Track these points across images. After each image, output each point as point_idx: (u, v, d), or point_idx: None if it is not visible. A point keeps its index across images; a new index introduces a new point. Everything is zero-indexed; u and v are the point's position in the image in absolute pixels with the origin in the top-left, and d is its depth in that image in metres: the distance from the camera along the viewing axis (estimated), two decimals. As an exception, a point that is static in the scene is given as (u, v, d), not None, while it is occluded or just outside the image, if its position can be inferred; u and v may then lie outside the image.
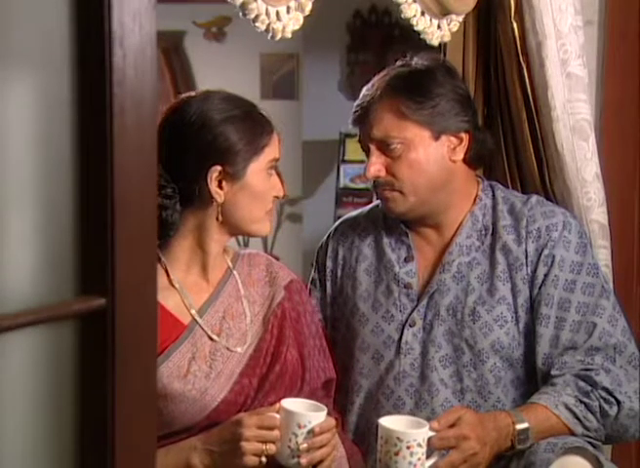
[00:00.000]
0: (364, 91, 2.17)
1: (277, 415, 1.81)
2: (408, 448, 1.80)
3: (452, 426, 1.91)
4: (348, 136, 5.75)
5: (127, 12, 1.10)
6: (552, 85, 2.28)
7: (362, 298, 2.22)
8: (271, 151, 1.95)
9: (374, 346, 2.17)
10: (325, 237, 2.35)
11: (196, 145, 1.90)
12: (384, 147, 2.12)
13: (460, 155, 2.15)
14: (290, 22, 1.80)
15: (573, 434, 2.02)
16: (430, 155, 2.12)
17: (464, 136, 2.15)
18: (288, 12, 1.79)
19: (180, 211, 1.91)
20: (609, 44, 2.58)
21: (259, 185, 1.94)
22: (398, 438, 1.80)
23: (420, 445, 1.81)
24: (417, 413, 2.06)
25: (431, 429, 1.86)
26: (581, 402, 2.04)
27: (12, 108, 1.07)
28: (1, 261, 1.07)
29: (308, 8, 1.83)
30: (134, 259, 1.14)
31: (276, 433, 1.80)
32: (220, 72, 5.94)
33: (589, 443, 2.04)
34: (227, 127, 1.91)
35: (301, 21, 1.83)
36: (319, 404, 1.86)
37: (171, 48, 6.32)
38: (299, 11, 1.82)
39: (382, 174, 2.13)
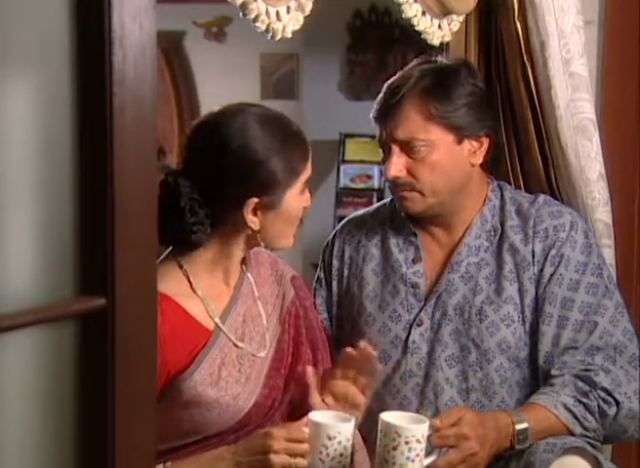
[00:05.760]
0: (385, 89, 2.15)
1: (306, 429, 1.80)
2: (406, 443, 1.79)
3: (452, 425, 1.91)
4: (348, 135, 5.76)
5: (127, 12, 1.10)
6: (555, 84, 2.28)
7: (369, 298, 2.22)
8: (306, 173, 1.93)
9: (380, 346, 2.17)
10: (331, 236, 2.34)
11: (236, 176, 1.87)
12: (406, 147, 2.10)
13: (479, 159, 2.15)
14: (290, 22, 1.80)
15: (572, 434, 2.02)
16: (452, 158, 2.11)
17: (485, 140, 2.15)
18: (288, 12, 1.79)
19: (209, 233, 1.89)
20: (609, 44, 2.58)
21: (294, 210, 1.92)
22: (397, 432, 1.80)
23: (418, 441, 1.80)
24: (421, 413, 2.05)
25: (432, 427, 1.86)
26: (580, 402, 2.04)
27: (12, 108, 1.07)
28: (1, 261, 1.07)
29: (308, 8, 1.83)
30: (134, 259, 1.14)
31: (305, 446, 1.79)
32: (221, 72, 5.94)
33: (588, 443, 2.04)
34: (269, 159, 1.87)
35: (301, 21, 1.83)
36: (345, 414, 1.85)
37: (171, 48, 6.32)
38: (299, 11, 1.82)
39: (403, 174, 2.11)
